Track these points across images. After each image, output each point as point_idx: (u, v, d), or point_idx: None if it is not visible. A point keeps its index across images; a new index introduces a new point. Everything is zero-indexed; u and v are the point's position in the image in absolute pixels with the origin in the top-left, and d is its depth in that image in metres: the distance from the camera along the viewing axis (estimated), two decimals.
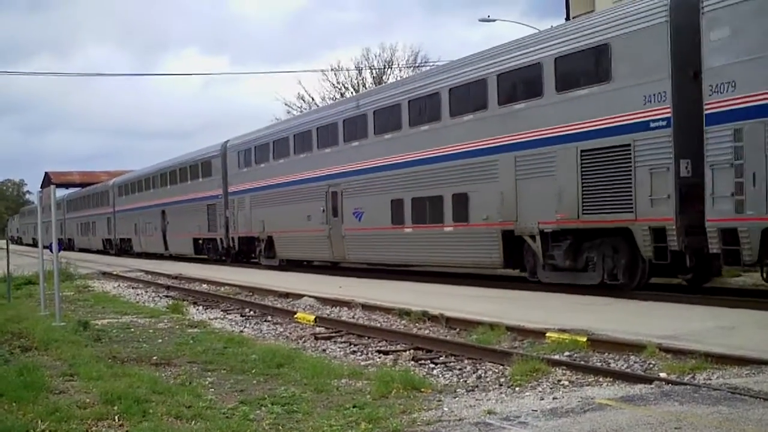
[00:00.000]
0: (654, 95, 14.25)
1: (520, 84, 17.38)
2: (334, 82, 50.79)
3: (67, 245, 54.37)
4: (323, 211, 25.11)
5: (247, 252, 31.65)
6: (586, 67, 15.68)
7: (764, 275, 13.75)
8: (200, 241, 36.25)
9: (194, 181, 36.81)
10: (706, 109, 13.25)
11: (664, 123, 14.10)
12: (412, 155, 20.85)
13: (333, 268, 26.34)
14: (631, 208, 14.67)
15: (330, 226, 24.79)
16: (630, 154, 14.67)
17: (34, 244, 70.81)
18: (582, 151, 15.61)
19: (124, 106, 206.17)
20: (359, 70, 50.47)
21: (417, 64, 48.12)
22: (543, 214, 16.53)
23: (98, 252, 53.71)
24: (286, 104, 53.62)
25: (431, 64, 43.64)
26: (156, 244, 41.95)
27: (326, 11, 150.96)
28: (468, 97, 18.92)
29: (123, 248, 49.13)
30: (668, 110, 14.03)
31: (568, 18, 30.16)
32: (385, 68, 49.88)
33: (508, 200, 17.47)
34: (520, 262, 17.79)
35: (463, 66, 19.45)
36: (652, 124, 14.31)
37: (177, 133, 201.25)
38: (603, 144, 15.20)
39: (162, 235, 40.89)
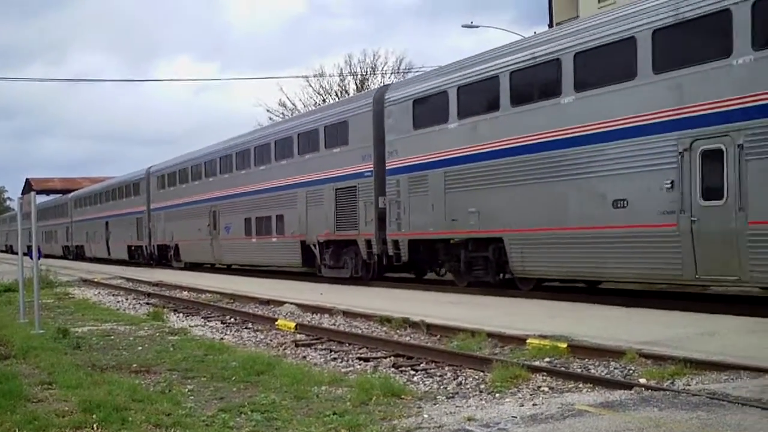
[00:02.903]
0: (366, 155, 22.38)
1: (308, 141, 25.66)
2: (317, 89, 51.99)
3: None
4: (208, 225, 33.63)
5: (165, 256, 39.90)
6: (339, 134, 23.90)
7: (440, 272, 21.72)
8: (132, 248, 44.59)
9: (128, 198, 45.23)
10: (386, 166, 21.42)
11: (371, 174, 22.21)
12: (256, 186, 29.26)
13: (307, 275, 28.09)
14: (357, 226, 22.77)
15: (212, 237, 33.35)
16: (356, 192, 22.81)
17: (7, 251, 76.09)
18: (336, 189, 23.82)
19: (114, 112, 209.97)
20: (342, 77, 51.41)
21: (402, 71, 49.85)
22: (319, 230, 24.77)
23: (60, 257, 60.41)
24: (268, 110, 55.45)
25: (416, 70, 46.04)
26: (102, 250, 50.32)
27: (320, 19, 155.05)
28: (284, 148, 27.30)
29: (78, 254, 57.33)
30: (371, 166, 22.14)
31: (551, 25, 33.04)
32: (368, 74, 51.04)
33: (302, 220, 25.74)
34: (312, 263, 25.83)
35: (281, 124, 28.63)
36: (365, 174, 22.44)
37: (165, 140, 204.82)
38: (345, 185, 23.36)
39: (106, 243, 49.28)
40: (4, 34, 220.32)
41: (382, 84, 45.87)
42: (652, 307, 14.11)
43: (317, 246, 24.92)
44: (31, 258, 15.80)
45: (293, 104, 52.47)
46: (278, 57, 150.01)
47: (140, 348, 12.20)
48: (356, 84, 51.06)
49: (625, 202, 14.66)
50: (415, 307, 15.38)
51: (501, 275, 18.23)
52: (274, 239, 27.77)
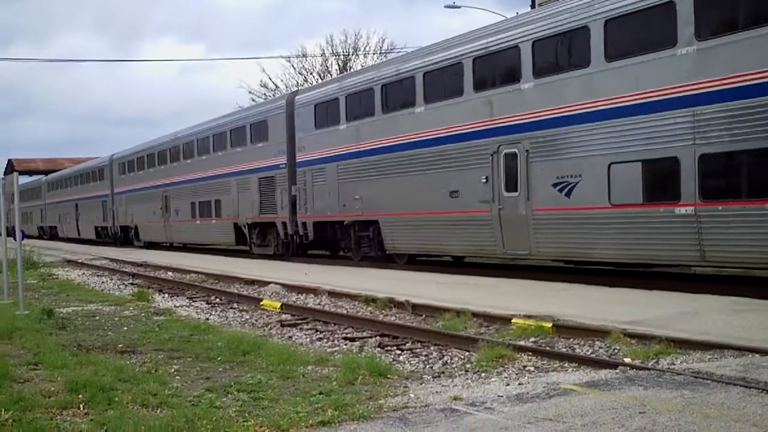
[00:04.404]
0: (282, 150, 26.17)
1: (238, 136, 29.47)
2: (299, 69, 52.45)
3: (9, 232, 64.33)
4: (161, 208, 37.48)
5: (127, 236, 43.74)
6: (261, 131, 27.71)
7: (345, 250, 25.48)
8: (99, 228, 48.50)
9: (94, 182, 49.07)
10: (296, 160, 25.25)
11: (285, 166, 25.99)
12: (198, 174, 33.10)
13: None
14: (276, 211, 26.59)
15: (164, 218, 37.21)
16: (275, 181, 26.59)
17: None
18: (259, 178, 27.62)
19: (98, 93, 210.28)
20: (325, 57, 51.72)
21: (384, 51, 50.55)
22: (248, 213, 28.59)
23: (36, 238, 63.89)
24: (250, 92, 56.28)
25: (398, 51, 46.84)
26: (72, 231, 54.28)
27: (306, 0, 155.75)
28: (221, 140, 31.14)
29: (52, 234, 61.19)
30: (285, 159, 25.94)
31: (533, 6, 32.72)
32: (350, 55, 50.98)
33: (234, 204, 29.58)
34: (244, 242, 29.65)
35: (221, 119, 31.99)
36: (281, 166, 26.22)
37: (149, 121, 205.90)
38: (266, 175, 27.17)
39: (76, 224, 53.15)
40: None
41: (364, 64, 48.34)
42: (634, 287, 14.27)
43: (247, 227, 28.81)
44: (14, 239, 15.83)
45: (275, 85, 53.27)
46: (264, 38, 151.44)
47: (125, 328, 12.15)
48: (338, 65, 51.15)
49: (458, 193, 18.52)
50: (401, 287, 15.44)
51: (383, 252, 22.12)
52: (213, 221, 31.71)
